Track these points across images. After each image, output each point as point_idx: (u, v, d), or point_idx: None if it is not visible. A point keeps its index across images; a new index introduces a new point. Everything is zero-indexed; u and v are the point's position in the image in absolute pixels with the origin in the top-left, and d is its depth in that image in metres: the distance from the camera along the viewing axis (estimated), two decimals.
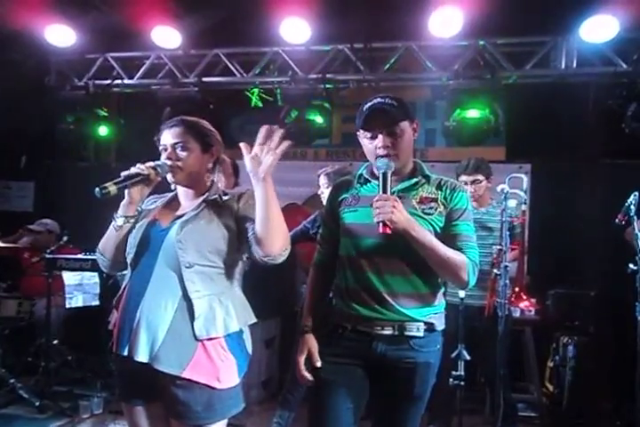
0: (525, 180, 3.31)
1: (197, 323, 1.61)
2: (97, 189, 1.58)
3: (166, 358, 1.60)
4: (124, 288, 1.75)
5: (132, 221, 1.75)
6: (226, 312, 1.67)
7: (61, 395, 3.64)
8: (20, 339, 4.00)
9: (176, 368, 1.60)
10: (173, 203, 1.84)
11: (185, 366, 1.60)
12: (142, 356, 1.60)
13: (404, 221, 1.61)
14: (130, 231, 1.76)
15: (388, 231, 1.60)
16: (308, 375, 1.79)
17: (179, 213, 1.77)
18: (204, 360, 1.63)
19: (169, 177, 1.75)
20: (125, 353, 1.64)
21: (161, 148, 1.78)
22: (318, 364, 1.77)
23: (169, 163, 1.73)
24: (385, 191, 1.65)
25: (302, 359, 1.80)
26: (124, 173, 1.67)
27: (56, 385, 3.70)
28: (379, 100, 1.77)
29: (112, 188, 1.61)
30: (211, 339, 1.63)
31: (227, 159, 1.92)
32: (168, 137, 1.77)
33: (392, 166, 1.69)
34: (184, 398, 1.61)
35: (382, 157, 1.73)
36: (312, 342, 1.81)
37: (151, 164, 1.72)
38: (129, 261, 1.74)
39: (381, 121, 1.74)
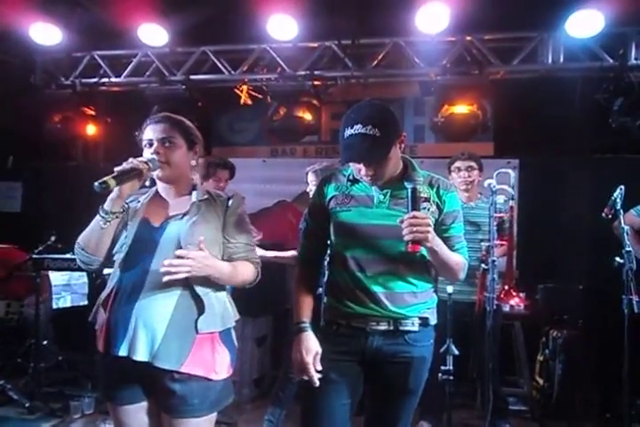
0: (513, 175, 3.32)
1: (201, 318, 1.65)
2: (96, 183, 1.55)
3: (166, 356, 1.62)
4: (113, 288, 1.72)
5: (120, 216, 1.72)
6: (224, 308, 1.74)
7: (52, 396, 3.63)
8: (10, 340, 3.98)
9: (175, 364, 1.62)
10: (157, 200, 1.82)
11: (183, 361, 1.63)
12: (142, 355, 1.61)
13: (433, 240, 1.62)
14: (116, 229, 1.73)
15: (418, 250, 1.60)
16: (318, 375, 1.72)
17: (171, 212, 1.77)
18: (201, 353, 1.66)
19: (157, 173, 1.74)
20: (123, 354, 1.62)
21: (144, 142, 1.77)
22: (319, 367, 1.74)
23: (157, 158, 1.73)
24: (415, 208, 1.60)
25: (311, 359, 1.72)
26: (118, 168, 1.65)
27: (46, 386, 3.68)
28: (359, 129, 1.64)
29: (112, 182, 1.58)
30: (207, 333, 1.68)
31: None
32: (154, 132, 1.76)
33: (420, 182, 1.68)
34: (181, 392, 1.63)
35: (368, 179, 1.75)
36: (316, 341, 1.77)
37: (143, 158, 1.71)
38: (119, 260, 1.72)
39: (366, 161, 1.69)
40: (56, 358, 3.90)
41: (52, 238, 3.78)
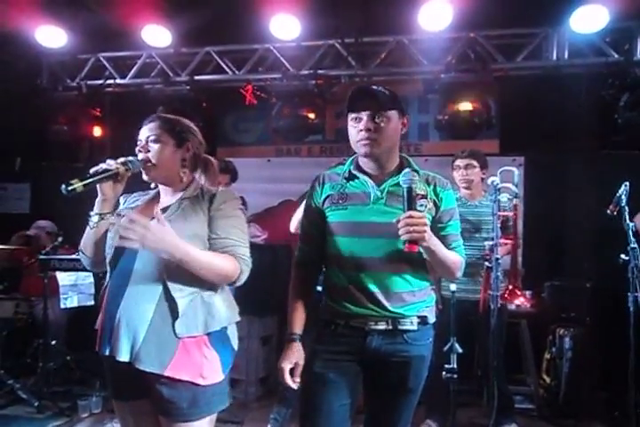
0: (517, 173, 3.30)
1: (179, 321, 1.61)
2: (63, 185, 1.54)
3: (147, 358, 1.59)
4: (105, 288, 1.73)
5: (108, 217, 1.72)
6: (207, 311, 1.66)
7: (60, 395, 3.66)
8: (19, 340, 4.02)
9: (157, 367, 1.59)
10: (155, 201, 1.82)
11: (167, 365, 1.60)
12: (124, 355, 1.60)
13: (430, 239, 1.60)
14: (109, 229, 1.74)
15: (415, 250, 1.58)
16: (292, 383, 1.72)
17: (157, 210, 1.73)
18: (187, 358, 1.62)
19: (143, 174, 1.73)
20: (107, 353, 1.63)
21: (137, 143, 1.77)
22: (297, 380, 1.73)
23: (140, 156, 1.71)
24: (411, 208, 1.59)
25: (288, 367, 1.73)
26: (92, 170, 1.63)
27: (55, 385, 3.71)
28: (369, 86, 1.78)
29: (77, 184, 1.56)
30: (192, 337, 1.63)
31: (212, 159, 1.90)
32: (143, 132, 1.76)
33: (416, 180, 1.65)
34: (169, 396, 1.62)
35: (364, 143, 1.70)
36: (300, 353, 1.76)
37: (122, 159, 1.69)
38: (107, 260, 1.73)
39: (368, 103, 1.71)
40: (64, 357, 3.93)
41: (60, 239, 3.82)
